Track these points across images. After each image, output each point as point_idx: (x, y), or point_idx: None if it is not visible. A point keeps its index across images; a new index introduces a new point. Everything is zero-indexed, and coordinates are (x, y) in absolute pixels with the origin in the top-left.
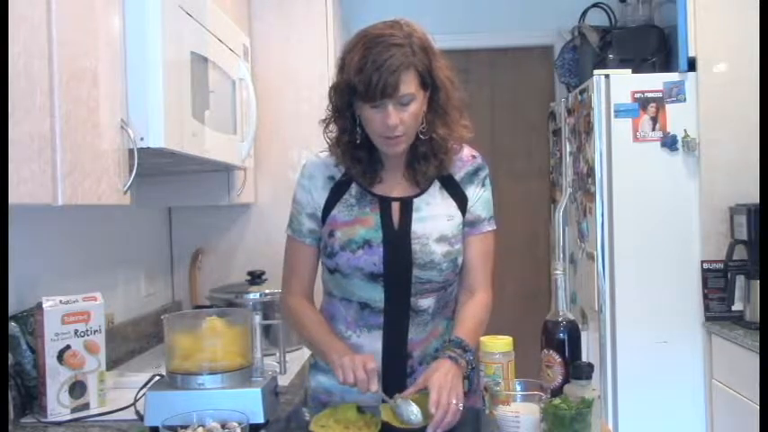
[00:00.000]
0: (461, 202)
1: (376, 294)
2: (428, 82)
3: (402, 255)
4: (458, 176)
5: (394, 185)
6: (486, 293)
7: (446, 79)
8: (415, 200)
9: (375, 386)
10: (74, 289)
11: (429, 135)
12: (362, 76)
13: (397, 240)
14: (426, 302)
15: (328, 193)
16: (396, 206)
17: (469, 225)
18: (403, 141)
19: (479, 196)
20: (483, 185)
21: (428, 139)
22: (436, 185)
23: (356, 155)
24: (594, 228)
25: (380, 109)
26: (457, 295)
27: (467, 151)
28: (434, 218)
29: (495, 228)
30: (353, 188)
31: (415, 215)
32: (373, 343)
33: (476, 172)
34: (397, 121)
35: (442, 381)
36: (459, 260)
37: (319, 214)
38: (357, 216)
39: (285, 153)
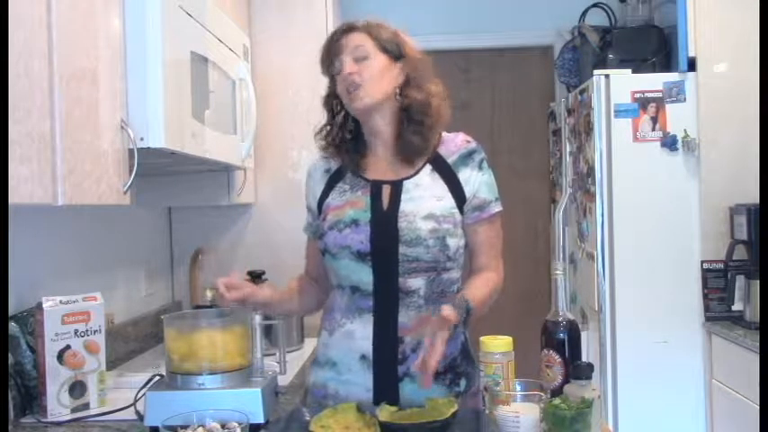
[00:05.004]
0: (453, 185)
1: (364, 276)
2: (391, 50)
3: (388, 232)
4: (450, 159)
5: (386, 171)
6: (496, 272)
7: (411, 50)
8: (405, 182)
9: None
10: (74, 289)
11: (407, 102)
12: (323, 51)
13: (385, 219)
14: (415, 283)
15: (324, 185)
16: (386, 189)
17: (478, 209)
18: (364, 95)
19: (480, 180)
20: (480, 169)
21: (407, 106)
22: (427, 169)
23: (343, 146)
24: (594, 228)
25: (340, 67)
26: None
27: (461, 137)
28: (423, 198)
29: (501, 209)
30: (348, 177)
31: (404, 196)
32: (365, 327)
33: (469, 155)
34: (353, 68)
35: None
36: (450, 241)
37: (315, 204)
38: (348, 199)
39: (285, 153)
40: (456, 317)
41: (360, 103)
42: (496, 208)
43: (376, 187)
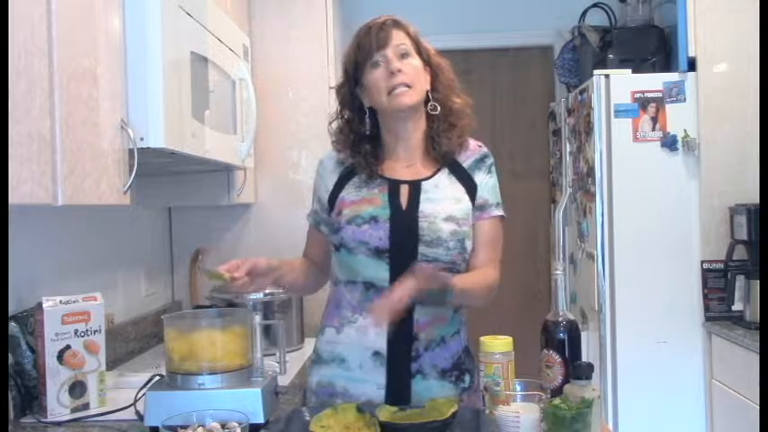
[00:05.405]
0: (470, 188)
1: (380, 272)
2: (423, 54)
3: (409, 231)
4: (466, 164)
5: (402, 172)
6: (492, 270)
7: (435, 56)
8: (424, 183)
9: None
10: (74, 289)
11: (448, 107)
12: (358, 42)
13: (405, 218)
14: None
15: (338, 177)
16: (404, 188)
17: (479, 209)
18: (409, 94)
19: (486, 183)
20: (489, 172)
21: (445, 112)
22: (444, 172)
23: (359, 148)
24: (594, 228)
25: (381, 63)
26: None
27: (473, 142)
28: (443, 200)
29: (503, 214)
30: (363, 173)
31: (423, 196)
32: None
33: (482, 159)
34: (399, 65)
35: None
36: (468, 243)
37: (326, 197)
38: (364, 196)
39: (285, 153)
40: (425, 278)
41: (407, 99)
42: (497, 212)
43: (394, 186)
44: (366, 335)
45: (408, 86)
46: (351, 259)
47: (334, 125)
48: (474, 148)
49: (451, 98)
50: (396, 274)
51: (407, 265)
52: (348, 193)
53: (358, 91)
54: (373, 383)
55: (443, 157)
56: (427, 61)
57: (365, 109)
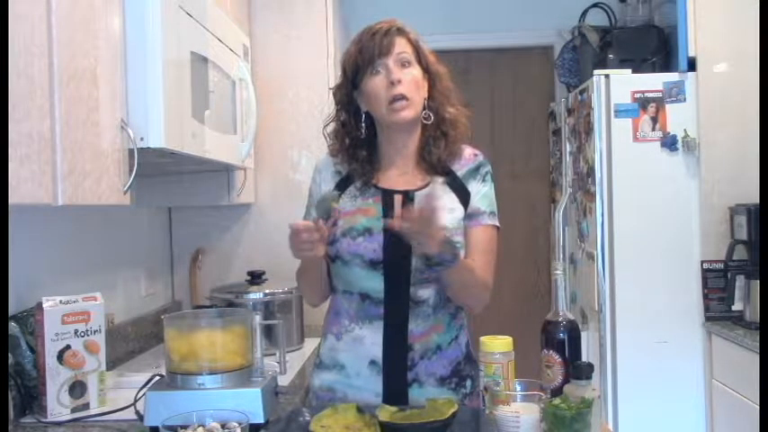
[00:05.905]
0: (463, 197)
1: (376, 284)
2: (423, 62)
3: (402, 242)
4: (460, 173)
5: (397, 180)
6: (483, 274)
7: (434, 63)
8: (417, 193)
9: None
10: (74, 289)
11: (441, 116)
12: (360, 47)
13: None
14: (426, 293)
15: (334, 186)
16: (398, 199)
17: (468, 218)
18: (409, 106)
19: (480, 191)
20: (484, 181)
21: (438, 121)
22: (438, 181)
23: (356, 153)
24: (594, 228)
25: (382, 71)
26: None
27: (468, 150)
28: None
29: (496, 224)
30: (358, 181)
31: (416, 207)
32: (375, 334)
33: (477, 168)
34: (399, 76)
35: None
36: (461, 253)
37: None
38: (359, 206)
39: (285, 153)
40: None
41: (406, 114)
42: (489, 220)
43: (388, 196)
44: (362, 344)
45: (407, 99)
46: (346, 271)
47: (330, 127)
48: (469, 157)
49: (446, 107)
50: (390, 285)
51: (402, 277)
52: (344, 202)
53: (355, 94)
54: (371, 391)
55: (435, 166)
56: (426, 69)
57: (361, 113)
